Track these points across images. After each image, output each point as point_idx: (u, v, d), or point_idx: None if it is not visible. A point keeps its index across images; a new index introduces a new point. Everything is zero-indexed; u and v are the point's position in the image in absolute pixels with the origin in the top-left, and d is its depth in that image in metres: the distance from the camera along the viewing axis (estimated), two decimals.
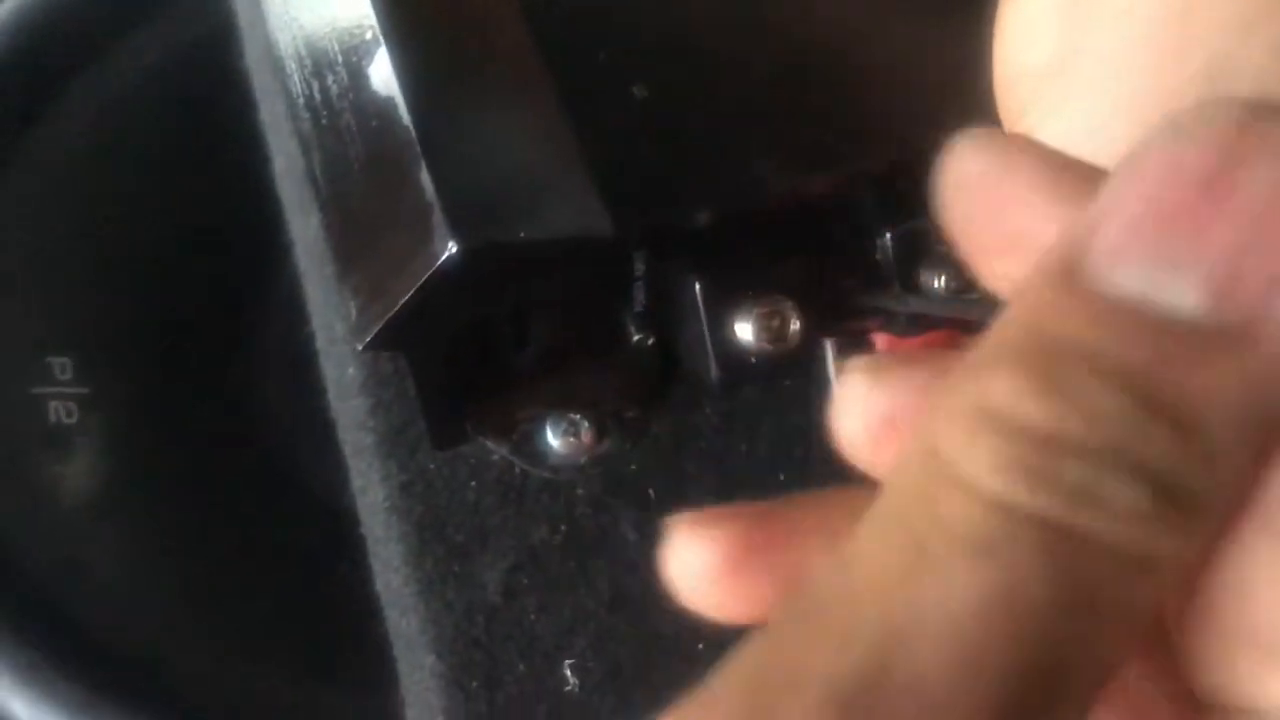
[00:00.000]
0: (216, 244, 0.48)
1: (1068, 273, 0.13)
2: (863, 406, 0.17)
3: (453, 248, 0.25)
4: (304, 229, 0.37)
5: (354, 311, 0.28)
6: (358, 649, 0.40)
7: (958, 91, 0.30)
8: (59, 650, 0.37)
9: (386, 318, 0.27)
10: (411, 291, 0.26)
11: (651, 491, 0.33)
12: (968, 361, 0.13)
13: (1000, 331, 0.13)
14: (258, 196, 0.41)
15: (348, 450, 0.35)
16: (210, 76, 0.46)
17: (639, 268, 0.31)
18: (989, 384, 0.13)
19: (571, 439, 0.34)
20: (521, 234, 0.26)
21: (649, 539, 0.32)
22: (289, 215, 0.38)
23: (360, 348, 0.28)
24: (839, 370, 0.33)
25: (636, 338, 0.32)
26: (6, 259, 0.46)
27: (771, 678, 0.13)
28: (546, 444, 0.34)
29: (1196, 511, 0.12)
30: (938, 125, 0.31)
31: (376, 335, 0.27)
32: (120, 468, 0.44)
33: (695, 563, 0.17)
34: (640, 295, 0.32)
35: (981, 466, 0.12)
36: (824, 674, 0.12)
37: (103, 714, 0.35)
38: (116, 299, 0.47)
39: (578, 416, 0.34)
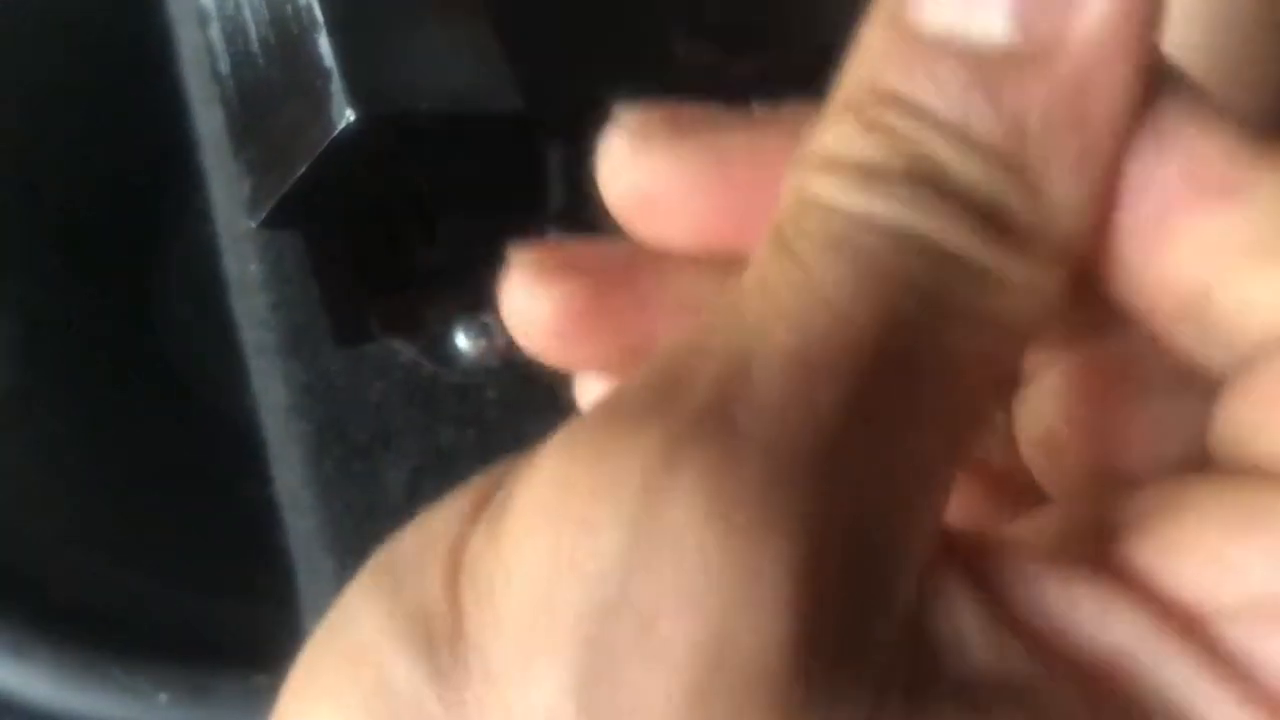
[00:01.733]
0: (122, 144, 0.45)
1: (891, 19, 0.13)
2: (629, 177, 0.16)
3: (350, 115, 0.24)
4: (208, 123, 0.35)
5: (249, 188, 0.27)
6: (261, 561, 0.38)
7: None
8: None
9: (283, 190, 0.25)
10: (309, 162, 0.25)
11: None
12: (819, 116, 0.14)
13: (840, 88, 0.14)
14: (163, 95, 0.40)
15: (248, 350, 0.33)
16: None
17: (554, 161, 0.30)
18: (827, 133, 0.13)
19: (483, 341, 0.33)
20: (424, 105, 0.25)
21: None
22: (195, 109, 0.36)
23: (255, 224, 0.26)
24: None
25: (553, 237, 0.31)
26: None
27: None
28: (456, 346, 0.33)
29: (1032, 236, 0.13)
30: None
31: (273, 210, 0.26)
32: (21, 375, 0.42)
33: (536, 314, 0.16)
34: (557, 192, 0.31)
35: (835, 191, 0.13)
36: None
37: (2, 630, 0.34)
38: (18, 202, 0.45)
39: (490, 319, 0.33)
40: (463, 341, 0.33)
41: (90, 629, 0.35)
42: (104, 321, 0.45)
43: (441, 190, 0.29)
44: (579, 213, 0.31)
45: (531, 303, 0.16)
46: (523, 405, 0.32)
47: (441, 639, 0.12)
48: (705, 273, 0.16)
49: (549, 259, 0.16)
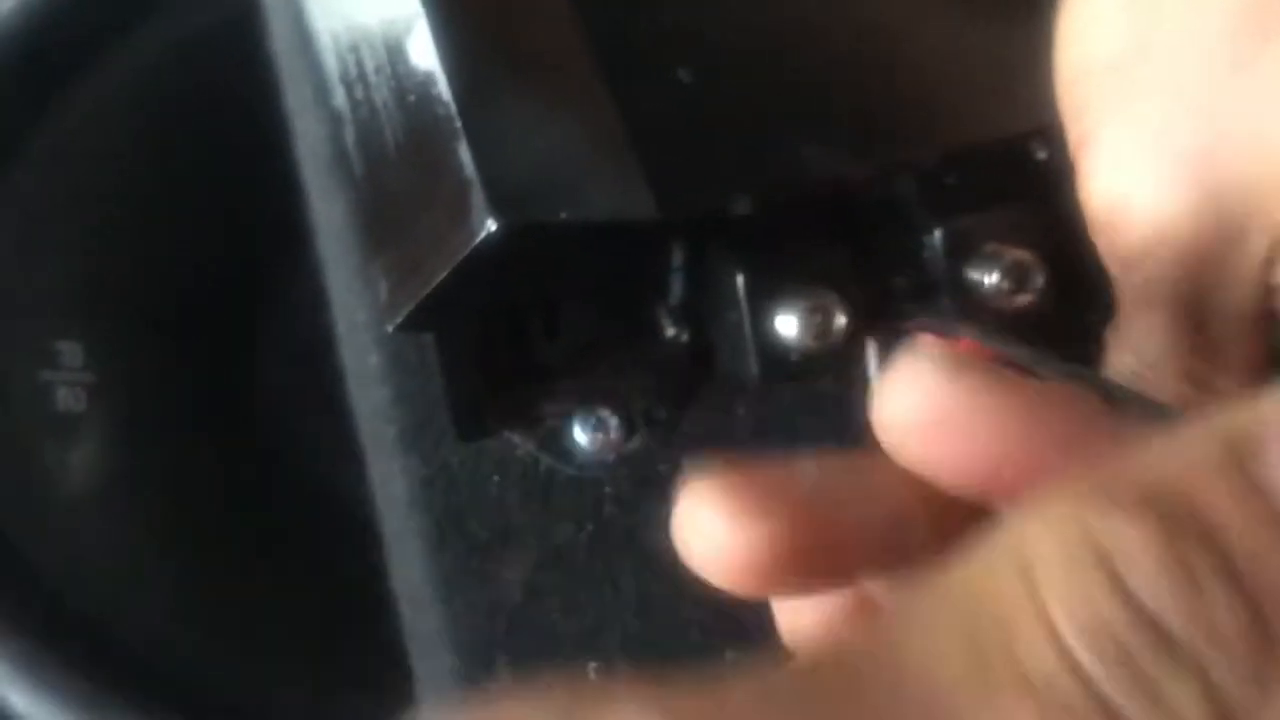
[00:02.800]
0: (231, 233, 0.47)
1: (1234, 460, 0.12)
2: (918, 400, 0.16)
3: (491, 225, 0.24)
4: (328, 214, 0.36)
5: (385, 291, 0.27)
6: (366, 648, 0.38)
7: (1016, 87, 0.29)
8: (58, 641, 0.36)
9: (420, 297, 0.26)
10: (448, 270, 0.25)
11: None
12: (1089, 478, 0.13)
13: (1140, 471, 0.13)
14: (273, 185, 0.41)
15: (366, 442, 0.34)
16: (230, 62, 0.45)
17: (677, 258, 0.30)
18: (1115, 523, 0.12)
19: (600, 436, 0.33)
20: (562, 214, 0.25)
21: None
22: (312, 201, 0.37)
23: (391, 328, 0.27)
24: (880, 371, 0.32)
25: (670, 333, 0.31)
26: (20, 242, 0.45)
27: None
28: (574, 440, 0.33)
29: None
30: (993, 121, 0.30)
31: (409, 315, 0.26)
32: (126, 457, 0.43)
33: (724, 546, 0.16)
34: (677, 288, 0.31)
35: (1072, 613, 0.12)
36: None
37: (101, 707, 0.34)
38: (128, 286, 0.46)
39: (607, 413, 0.33)
40: (580, 435, 0.33)
41: (204, 714, 0.35)
42: (211, 406, 0.45)
43: (568, 288, 0.29)
44: (694, 309, 0.31)
45: (719, 535, 0.16)
46: (639, 502, 0.32)
47: None
48: (908, 517, 0.16)
49: (737, 486, 0.16)
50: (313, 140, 0.37)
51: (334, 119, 0.33)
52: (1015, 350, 0.27)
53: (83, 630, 0.37)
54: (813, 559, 0.16)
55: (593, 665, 0.30)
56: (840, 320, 0.28)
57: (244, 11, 0.40)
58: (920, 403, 0.16)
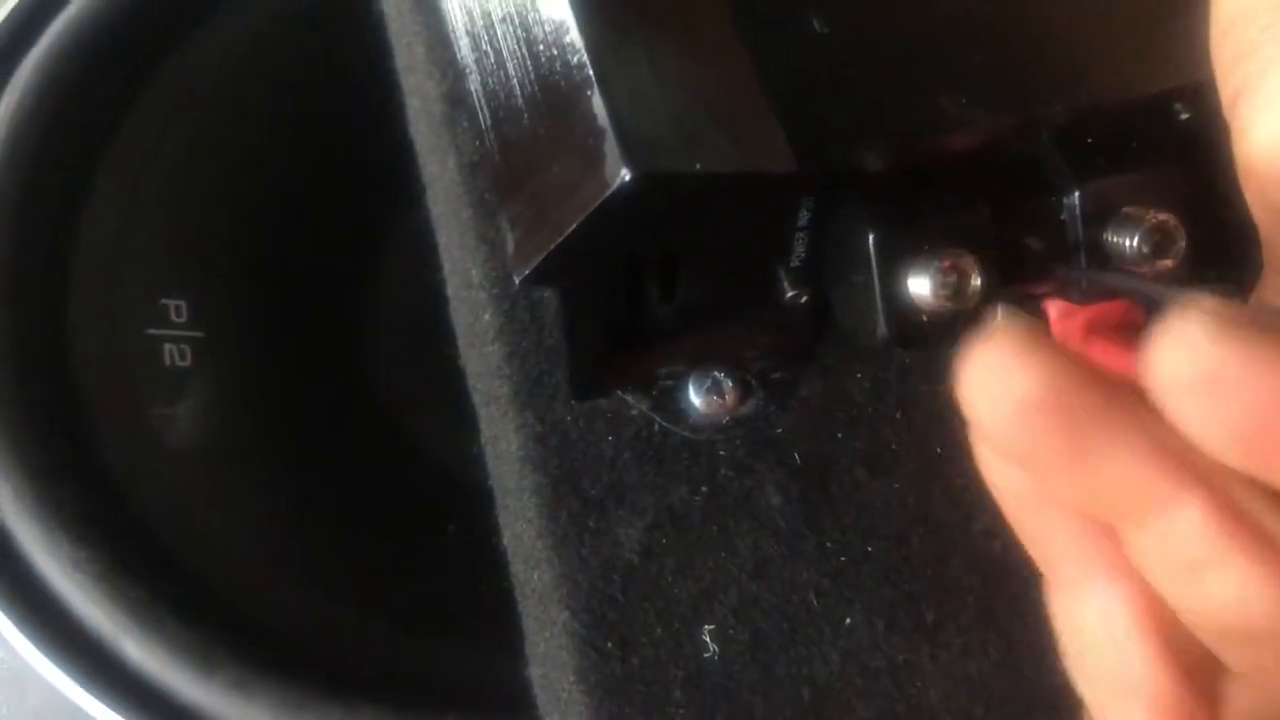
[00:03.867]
0: (336, 192, 0.47)
1: None
2: (1190, 358, 0.16)
3: (625, 175, 0.24)
4: (440, 172, 0.35)
5: (512, 242, 0.27)
6: (467, 604, 0.38)
7: (1162, 39, 0.28)
8: (169, 590, 0.36)
9: (550, 247, 0.25)
10: (580, 220, 0.25)
11: (798, 456, 0.31)
12: None
13: None
14: (379, 144, 0.40)
15: (478, 399, 0.34)
16: (336, 23, 0.45)
17: (803, 216, 0.29)
18: None
19: (714, 398, 0.32)
20: (697, 165, 0.25)
21: (794, 504, 0.31)
22: (422, 159, 0.37)
23: (519, 279, 0.26)
24: None
25: (790, 294, 0.31)
26: (126, 200, 0.45)
27: None
28: (688, 401, 0.32)
29: None
30: (1137, 77, 0.29)
31: (538, 266, 0.26)
32: (231, 414, 0.43)
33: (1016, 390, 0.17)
34: (799, 248, 0.30)
35: None
36: None
37: (210, 657, 0.34)
38: (234, 244, 0.46)
39: (721, 374, 0.32)
40: (694, 397, 0.32)
41: (310, 668, 0.35)
42: (317, 364, 0.46)
43: (691, 244, 0.29)
44: (815, 269, 0.30)
45: (1008, 373, 0.16)
46: (753, 465, 0.31)
47: None
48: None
49: (1033, 337, 0.16)
50: (425, 98, 0.36)
51: (454, 72, 0.33)
52: (1161, 293, 0.26)
53: (192, 581, 0.37)
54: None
55: (708, 628, 0.29)
56: (976, 281, 0.27)
57: None
58: (1193, 361, 0.15)
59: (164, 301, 0.45)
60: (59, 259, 0.44)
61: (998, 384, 0.16)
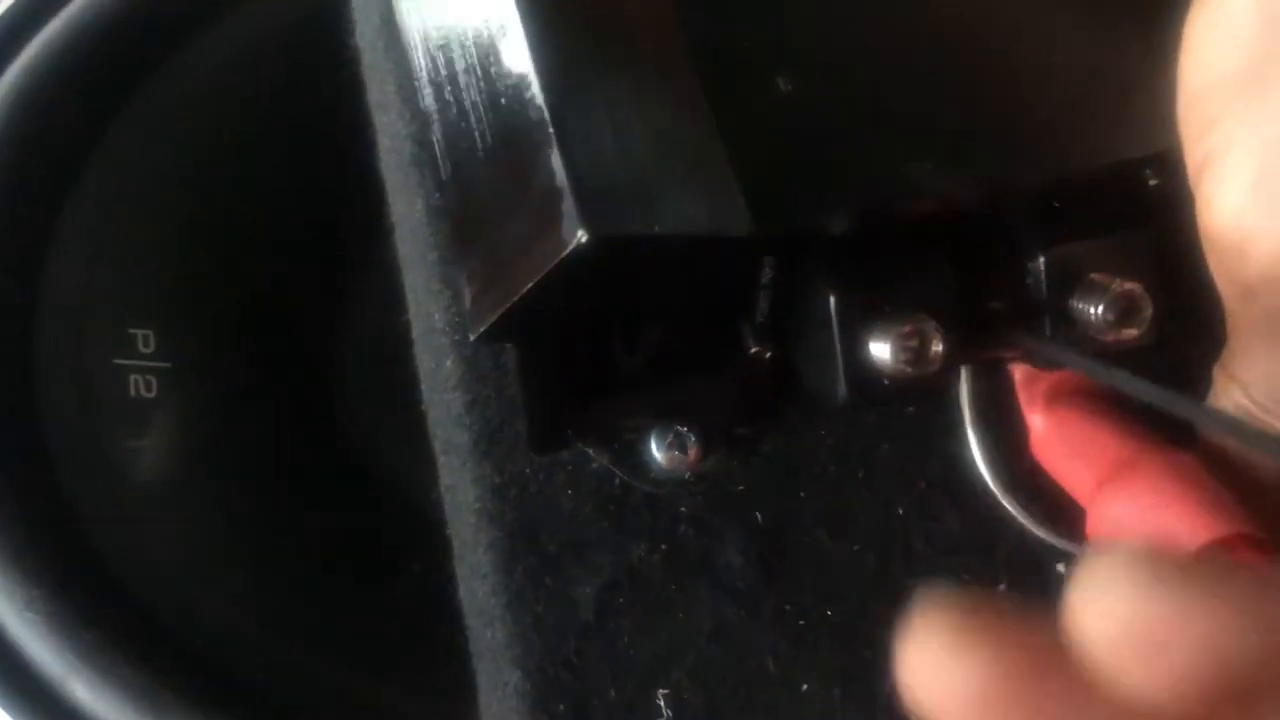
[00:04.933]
0: (308, 225, 0.46)
1: None
2: (1116, 614, 0.15)
3: (582, 236, 0.24)
4: (408, 212, 0.35)
5: (469, 298, 0.26)
6: (426, 652, 0.38)
7: (1132, 106, 0.28)
8: (123, 632, 0.35)
9: (505, 306, 0.25)
10: (535, 280, 0.24)
11: (759, 515, 0.31)
12: None
13: None
14: (353, 179, 0.40)
15: (438, 446, 0.33)
16: (311, 58, 0.45)
17: (766, 274, 0.29)
18: None
19: (676, 452, 0.32)
20: (655, 227, 0.24)
21: (754, 565, 0.30)
22: (391, 198, 0.37)
23: (473, 337, 0.26)
24: (973, 402, 0.30)
25: (754, 350, 0.30)
26: (97, 228, 0.45)
27: None
28: (650, 455, 0.32)
29: None
30: (1106, 144, 0.28)
31: (493, 324, 0.25)
32: (196, 447, 0.43)
33: (950, 685, 0.15)
34: (763, 304, 0.30)
35: None
36: None
37: (163, 702, 0.34)
38: (203, 276, 0.46)
39: (684, 429, 0.32)
40: (656, 451, 0.32)
41: (264, 713, 0.34)
42: (284, 399, 0.45)
43: (652, 300, 0.29)
44: (780, 326, 0.30)
45: (946, 673, 0.15)
46: (715, 523, 0.31)
47: None
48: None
49: (966, 624, 0.15)
50: (394, 137, 0.36)
51: (420, 118, 0.33)
52: (1123, 381, 0.26)
53: (147, 623, 0.37)
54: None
55: (663, 692, 0.29)
56: (937, 347, 0.27)
57: (328, 7, 0.40)
58: (1119, 616, 0.14)
59: (132, 330, 0.44)
60: (28, 281, 0.44)
61: (938, 680, 0.15)
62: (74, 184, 0.45)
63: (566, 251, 0.24)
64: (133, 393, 0.43)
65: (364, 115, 0.38)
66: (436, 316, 0.33)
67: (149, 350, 0.44)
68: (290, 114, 0.46)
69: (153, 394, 0.43)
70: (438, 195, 0.31)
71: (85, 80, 0.45)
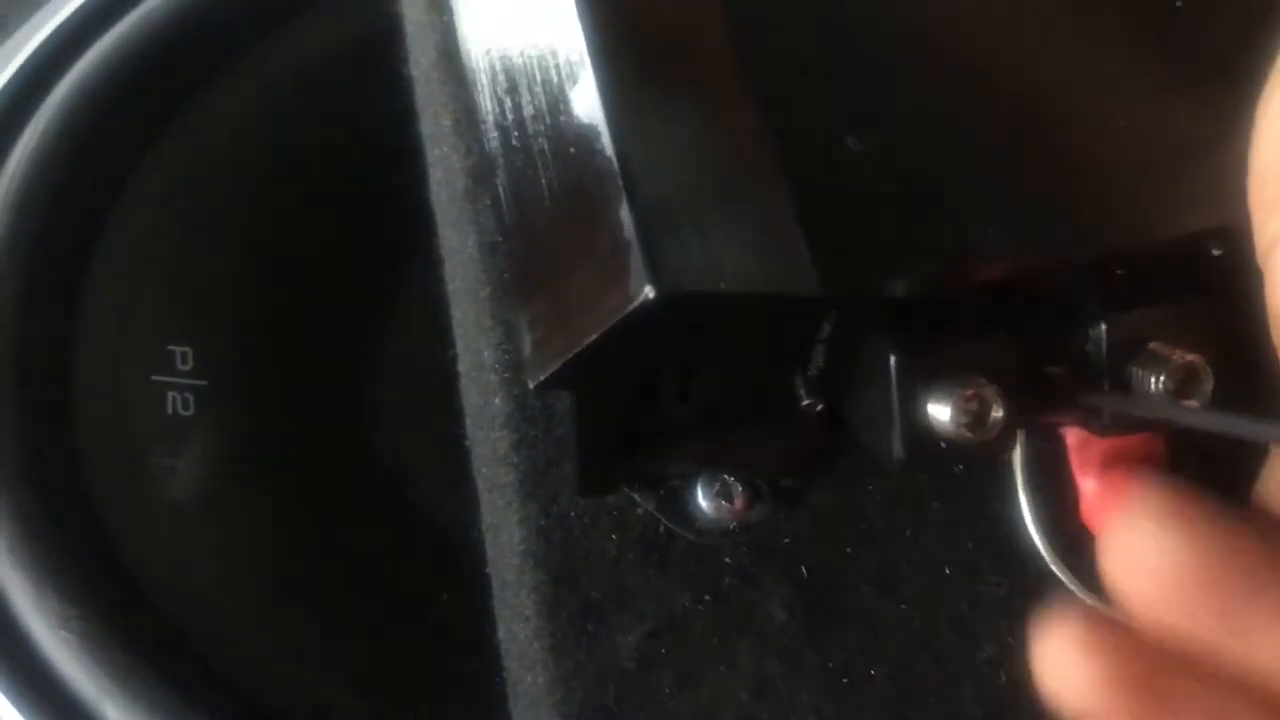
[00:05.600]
0: (352, 250, 0.46)
1: None
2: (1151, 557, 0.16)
3: (650, 292, 0.24)
4: (460, 247, 0.35)
5: (529, 345, 0.26)
6: (456, 682, 0.38)
7: (1201, 176, 0.27)
8: (158, 655, 0.35)
9: (567, 356, 0.25)
10: (600, 332, 0.24)
11: (804, 569, 0.31)
12: None
13: None
14: (398, 208, 0.40)
15: (481, 484, 0.33)
16: (360, 81, 0.45)
17: (824, 329, 0.29)
18: None
19: (723, 502, 0.32)
20: (722, 284, 0.24)
21: (798, 620, 0.30)
22: (442, 231, 0.37)
23: (532, 385, 0.26)
24: (1026, 464, 0.30)
25: (805, 402, 0.30)
26: (138, 244, 0.45)
27: None
28: (696, 504, 0.32)
29: None
30: (1169, 214, 0.28)
31: (555, 373, 0.25)
32: (232, 467, 0.43)
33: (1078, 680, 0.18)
34: (819, 358, 0.30)
35: None
36: None
37: None
38: (244, 295, 0.46)
39: (731, 478, 0.32)
40: (702, 500, 0.32)
41: None
42: (323, 421, 0.45)
43: (709, 352, 0.29)
44: (833, 379, 0.30)
45: (1074, 669, 0.18)
46: (760, 575, 0.31)
47: None
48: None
49: (1093, 631, 0.16)
50: (449, 170, 0.36)
51: (479, 151, 0.33)
52: (1201, 418, 0.26)
53: (181, 646, 0.37)
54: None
55: None
56: (997, 413, 0.26)
57: (382, 33, 0.40)
58: (1154, 560, 0.15)
59: (170, 348, 0.44)
60: (68, 297, 0.44)
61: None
62: (118, 198, 0.45)
63: (633, 306, 0.24)
64: (170, 410, 0.43)
65: (413, 144, 0.38)
66: (486, 354, 0.33)
67: (187, 368, 0.44)
68: (338, 139, 0.47)
69: (190, 412, 0.43)
70: (499, 238, 0.31)
71: (135, 95, 0.46)
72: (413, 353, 0.46)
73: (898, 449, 0.28)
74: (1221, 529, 0.17)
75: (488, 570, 0.33)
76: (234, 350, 0.45)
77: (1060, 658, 0.19)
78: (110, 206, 0.45)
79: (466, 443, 0.34)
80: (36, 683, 0.35)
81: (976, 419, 0.27)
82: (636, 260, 0.24)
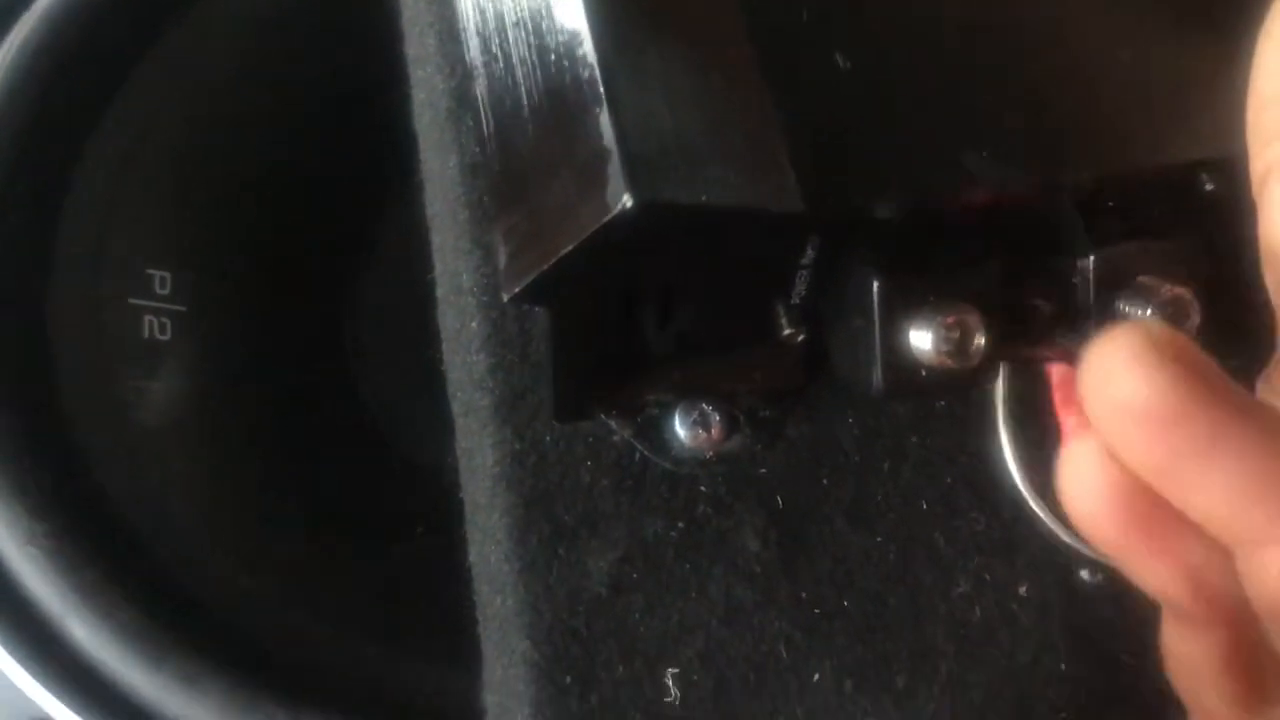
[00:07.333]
0: (331, 179, 0.46)
1: None
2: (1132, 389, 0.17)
3: (628, 201, 0.23)
4: (440, 169, 0.34)
5: (504, 257, 0.26)
6: (429, 615, 0.37)
7: (1197, 106, 0.27)
8: (124, 573, 0.35)
9: (542, 268, 0.24)
10: (576, 243, 0.24)
11: (779, 499, 0.30)
12: None
13: None
14: (378, 135, 0.39)
15: (457, 408, 0.32)
16: (340, 5, 0.44)
17: (808, 255, 0.28)
18: None
19: (699, 430, 0.31)
20: (703, 196, 0.24)
21: (771, 550, 0.30)
22: (423, 154, 0.36)
23: (506, 297, 0.25)
24: (1007, 401, 0.30)
25: (787, 332, 0.30)
26: (117, 169, 0.44)
27: None
28: (673, 432, 0.31)
29: None
30: (1165, 146, 0.28)
31: (529, 285, 0.25)
32: (206, 394, 0.42)
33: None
34: (801, 286, 0.29)
35: None
36: None
37: (163, 645, 0.33)
38: (224, 222, 0.45)
39: (709, 407, 0.31)
40: (679, 428, 0.31)
41: (261, 668, 0.34)
42: (298, 349, 0.45)
43: (689, 274, 0.28)
44: (814, 309, 0.29)
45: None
46: (733, 504, 0.31)
47: None
48: None
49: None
50: (431, 91, 0.35)
51: (462, 71, 0.32)
52: None
53: (149, 566, 0.36)
54: None
55: (671, 671, 0.28)
56: (979, 341, 0.26)
57: None
58: (1124, 389, 0.16)
59: (150, 272, 0.43)
60: (46, 219, 0.43)
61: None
62: (96, 123, 0.44)
63: (610, 216, 0.23)
64: (146, 334, 0.42)
65: (395, 70, 0.37)
66: (464, 277, 0.32)
67: (165, 292, 0.43)
68: (319, 66, 0.46)
69: (166, 336, 0.42)
70: (477, 150, 0.30)
71: (110, 22, 0.45)
72: (392, 284, 0.45)
73: (878, 378, 0.27)
74: (1195, 380, 0.17)
75: (462, 496, 0.32)
76: (213, 277, 0.44)
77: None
78: (87, 132, 0.44)
79: (443, 368, 0.34)
80: (3, 598, 0.34)
81: (958, 346, 0.26)
82: (615, 168, 0.23)
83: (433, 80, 0.35)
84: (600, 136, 0.24)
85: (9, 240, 0.41)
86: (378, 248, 0.47)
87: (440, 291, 0.34)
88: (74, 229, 0.42)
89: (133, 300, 0.42)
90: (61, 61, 0.43)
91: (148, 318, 0.42)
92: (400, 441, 0.44)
